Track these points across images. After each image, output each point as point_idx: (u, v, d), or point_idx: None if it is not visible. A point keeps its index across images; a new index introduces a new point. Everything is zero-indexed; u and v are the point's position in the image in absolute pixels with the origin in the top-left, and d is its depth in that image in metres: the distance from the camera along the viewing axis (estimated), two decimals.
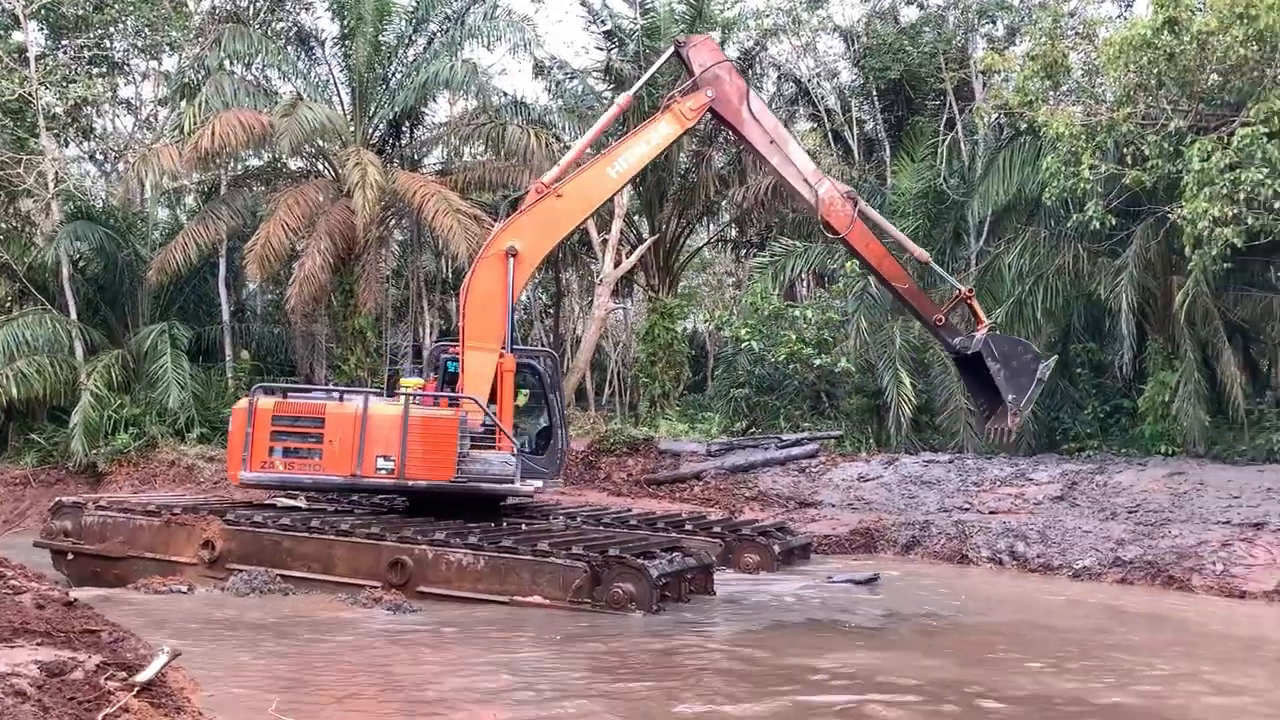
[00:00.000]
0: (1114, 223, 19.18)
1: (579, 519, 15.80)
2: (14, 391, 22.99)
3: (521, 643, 10.93)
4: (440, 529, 13.42)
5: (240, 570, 13.34)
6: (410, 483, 14.09)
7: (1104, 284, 20.34)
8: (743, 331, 24.89)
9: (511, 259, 14.05)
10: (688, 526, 15.97)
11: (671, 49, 15.24)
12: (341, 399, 14.91)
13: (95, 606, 8.21)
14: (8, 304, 25.62)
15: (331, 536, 13.47)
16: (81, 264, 25.87)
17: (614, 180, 14.77)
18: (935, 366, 22.89)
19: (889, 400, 22.49)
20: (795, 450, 21.47)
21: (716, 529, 16.00)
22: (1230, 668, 10.34)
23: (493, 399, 14.18)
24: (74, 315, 24.62)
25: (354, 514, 14.75)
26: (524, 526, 14.37)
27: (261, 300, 30.90)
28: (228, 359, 25.98)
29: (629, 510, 17.48)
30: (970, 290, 14.98)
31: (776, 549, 15.59)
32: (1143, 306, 20.55)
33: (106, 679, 5.45)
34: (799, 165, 14.68)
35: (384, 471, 13.98)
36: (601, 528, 15.27)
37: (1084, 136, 18.38)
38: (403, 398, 14.31)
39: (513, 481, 13.91)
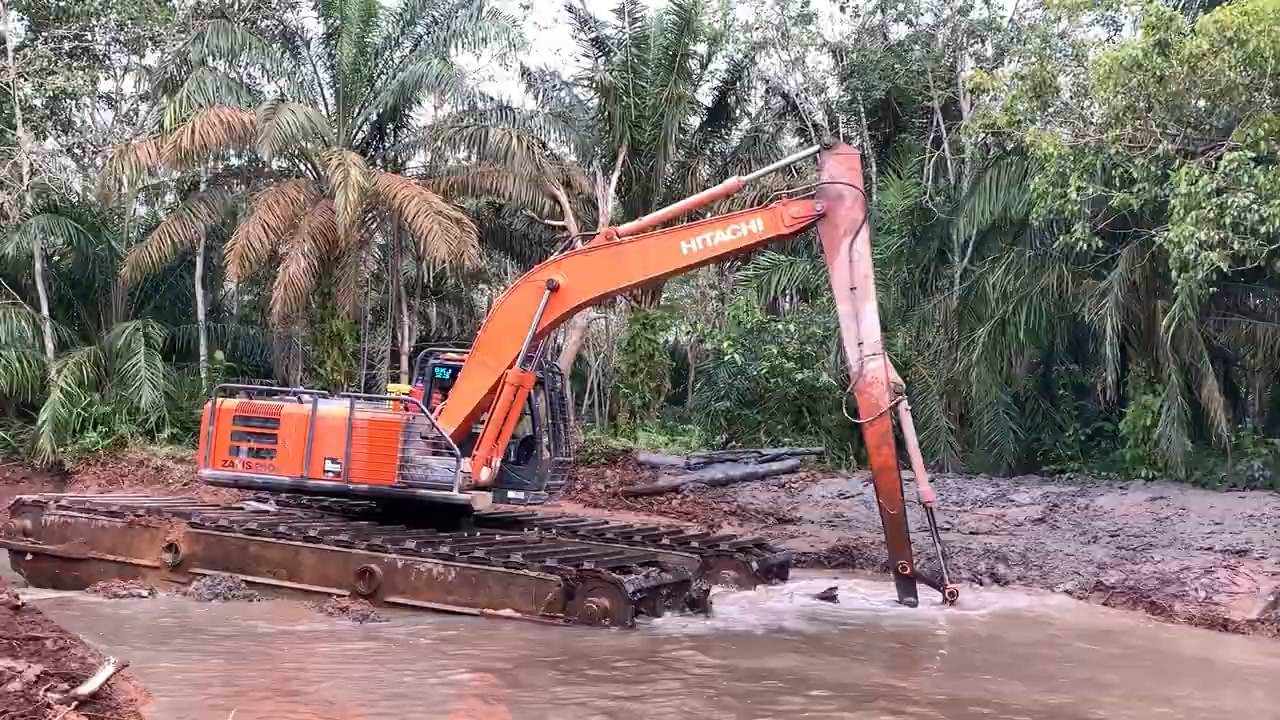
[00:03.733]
0: (1100, 245, 19.09)
1: (554, 530, 15.51)
2: None
3: (487, 655, 10.64)
4: (411, 538, 13.12)
5: (204, 575, 13.05)
6: (353, 485, 13.85)
7: (1088, 306, 20.26)
8: (725, 344, 24.65)
9: (549, 291, 13.78)
10: (665, 541, 15.71)
11: (816, 147, 14.60)
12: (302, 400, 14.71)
13: (47, 611, 7.89)
14: None
15: (299, 542, 13.18)
16: (56, 259, 25.40)
17: (683, 257, 14.02)
18: (916, 385, 22.72)
19: None
20: (775, 465, 21.24)
21: (694, 544, 15.75)
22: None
23: (485, 410, 13.92)
24: (45, 310, 24.15)
25: (324, 520, 14.46)
26: (497, 537, 14.09)
27: (238, 301, 30.46)
28: (202, 359, 25.57)
29: (605, 523, 17.19)
30: (953, 595, 13.82)
31: (755, 566, 15.35)
32: (1126, 329, 20.45)
33: (46, 690, 5.16)
34: (864, 329, 13.74)
35: (331, 474, 13.79)
36: (577, 540, 15.00)
37: (1072, 158, 18.28)
38: (347, 400, 14.21)
39: (450, 489, 13.57)
